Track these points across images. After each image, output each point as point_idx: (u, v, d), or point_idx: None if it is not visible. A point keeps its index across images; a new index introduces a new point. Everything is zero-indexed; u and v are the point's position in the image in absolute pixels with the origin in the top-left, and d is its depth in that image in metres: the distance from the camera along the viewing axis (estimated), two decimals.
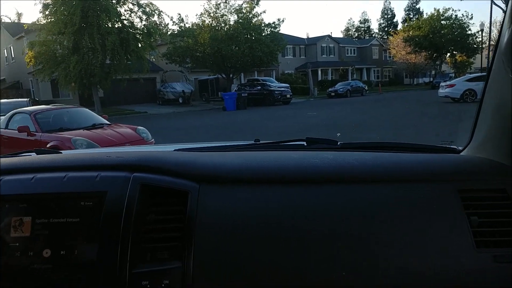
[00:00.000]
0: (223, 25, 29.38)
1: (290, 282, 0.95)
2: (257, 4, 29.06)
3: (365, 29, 72.46)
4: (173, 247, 0.98)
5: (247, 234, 0.98)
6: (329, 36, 49.31)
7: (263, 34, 29.05)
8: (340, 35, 66.08)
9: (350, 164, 1.13)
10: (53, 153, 1.32)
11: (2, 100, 15.69)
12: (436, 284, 0.96)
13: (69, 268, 0.96)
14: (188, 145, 1.59)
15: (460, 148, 1.30)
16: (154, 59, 30.80)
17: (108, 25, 22.00)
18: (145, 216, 1.01)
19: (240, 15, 29.04)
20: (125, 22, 23.23)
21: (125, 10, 23.32)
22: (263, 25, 29.48)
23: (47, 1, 21.55)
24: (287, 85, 29.38)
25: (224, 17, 29.40)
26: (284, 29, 75.01)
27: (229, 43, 28.10)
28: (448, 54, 50.56)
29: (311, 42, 47.96)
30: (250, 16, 29.09)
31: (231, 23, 29.35)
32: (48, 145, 6.89)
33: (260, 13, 30.97)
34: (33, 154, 1.35)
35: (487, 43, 39.00)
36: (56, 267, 0.96)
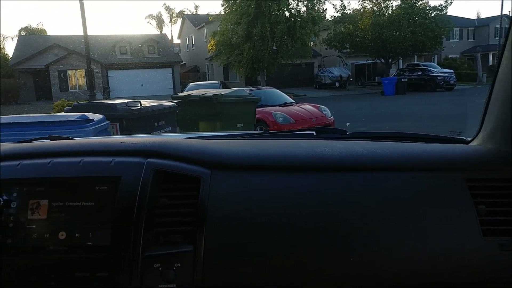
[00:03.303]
0: (384, 10, 29.31)
1: (299, 268, 0.97)
2: None
3: None
4: (185, 232, 0.99)
5: (257, 220, 0.99)
6: (506, 15, 43.97)
7: (427, 17, 28.05)
8: None
9: (359, 153, 1.14)
10: (67, 139, 1.36)
11: (200, 82, 19.20)
12: (443, 271, 0.98)
13: (83, 250, 0.98)
14: (198, 134, 1.68)
15: (469, 139, 1.30)
16: (313, 45, 32.29)
17: (277, 14, 24.07)
18: (158, 201, 1.02)
19: None
20: (292, 11, 25.12)
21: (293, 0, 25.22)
22: (427, 8, 28.42)
23: None
24: (451, 70, 27.84)
25: (387, 2, 29.29)
26: (450, 10, 69.08)
27: (391, 28, 27.91)
28: None
29: (483, 24, 43.60)
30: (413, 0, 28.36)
31: (393, 8, 29.09)
32: None
33: None
34: (48, 140, 1.38)
35: None
36: (71, 249, 0.98)
